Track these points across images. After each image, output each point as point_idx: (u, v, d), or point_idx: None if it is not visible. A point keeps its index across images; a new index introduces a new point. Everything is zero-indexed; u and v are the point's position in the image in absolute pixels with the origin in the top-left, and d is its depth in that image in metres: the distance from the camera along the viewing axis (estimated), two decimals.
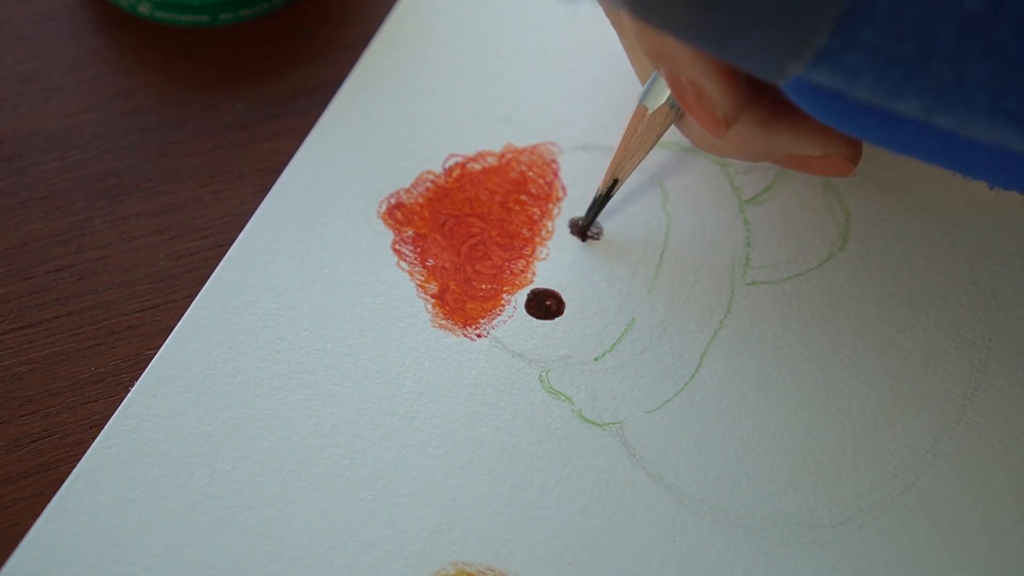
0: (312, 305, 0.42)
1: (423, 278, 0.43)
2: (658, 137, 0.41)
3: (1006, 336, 0.42)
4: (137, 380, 0.40)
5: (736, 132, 0.37)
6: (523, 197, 0.45)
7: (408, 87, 0.47)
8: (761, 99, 0.37)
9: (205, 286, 0.42)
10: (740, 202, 0.45)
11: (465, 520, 0.38)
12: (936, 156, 0.33)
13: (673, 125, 0.40)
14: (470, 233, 0.44)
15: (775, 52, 0.29)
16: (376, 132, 0.46)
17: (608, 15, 0.40)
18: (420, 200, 0.44)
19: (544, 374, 0.41)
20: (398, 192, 0.45)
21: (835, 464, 0.40)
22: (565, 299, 0.43)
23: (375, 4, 0.50)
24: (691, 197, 0.45)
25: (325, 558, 0.38)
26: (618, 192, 0.43)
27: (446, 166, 0.45)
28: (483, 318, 0.42)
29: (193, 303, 0.42)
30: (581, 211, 0.44)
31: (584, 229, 0.44)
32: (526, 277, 0.43)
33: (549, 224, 0.44)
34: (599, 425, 0.40)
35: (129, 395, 0.40)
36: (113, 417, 0.40)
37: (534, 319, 0.42)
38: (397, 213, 0.44)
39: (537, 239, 0.44)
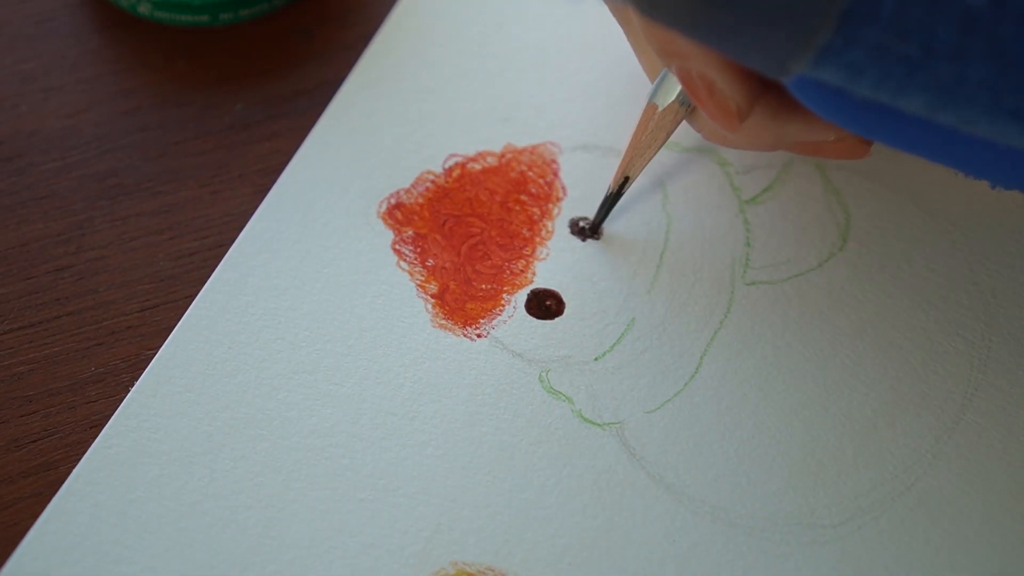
0: (312, 305, 0.42)
1: (423, 278, 0.43)
2: (668, 134, 0.41)
3: (1006, 336, 0.42)
4: (137, 380, 0.40)
5: (748, 124, 0.37)
6: (523, 197, 0.45)
7: (408, 87, 0.47)
8: (771, 89, 0.37)
9: (205, 286, 0.42)
10: (740, 202, 0.45)
11: (465, 520, 0.38)
12: (938, 154, 0.33)
13: (684, 121, 0.40)
14: (470, 233, 0.44)
15: (778, 49, 0.29)
16: (376, 132, 0.46)
17: (615, 13, 0.40)
18: (420, 200, 0.44)
19: (544, 374, 0.41)
20: (398, 192, 0.45)
21: (835, 464, 0.40)
22: (565, 299, 0.43)
23: (375, 4, 0.50)
24: (691, 197, 0.45)
25: (325, 558, 0.38)
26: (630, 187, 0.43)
27: (446, 166, 0.45)
28: (483, 318, 0.42)
29: (193, 303, 0.42)
30: (581, 211, 0.44)
31: (595, 227, 0.44)
32: (526, 277, 0.43)
33: (549, 224, 0.44)
34: (599, 425, 0.40)
35: (129, 395, 0.40)
36: (113, 417, 0.40)
37: (534, 319, 0.42)
38: (397, 213, 0.44)
39: (537, 239, 0.44)
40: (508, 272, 0.43)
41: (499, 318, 0.42)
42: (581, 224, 0.44)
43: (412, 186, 0.45)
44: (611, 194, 0.43)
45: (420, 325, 0.42)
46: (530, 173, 0.45)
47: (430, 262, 0.43)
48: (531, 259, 0.43)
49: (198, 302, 0.42)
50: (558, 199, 0.45)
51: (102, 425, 0.40)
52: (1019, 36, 0.28)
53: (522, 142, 0.46)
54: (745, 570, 0.38)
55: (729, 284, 0.43)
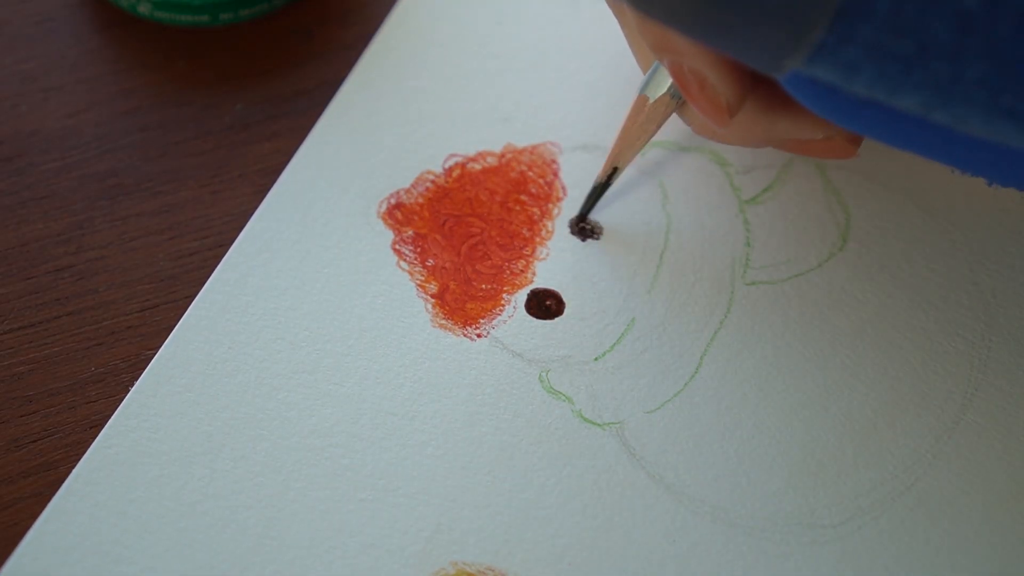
0: (312, 305, 0.42)
1: (423, 278, 0.43)
2: (658, 126, 0.41)
3: (1006, 336, 0.42)
4: (137, 380, 0.40)
5: (738, 119, 0.37)
6: (523, 197, 0.45)
7: (408, 87, 0.47)
8: (762, 85, 0.37)
9: (205, 286, 0.42)
10: (740, 202, 0.45)
11: (465, 520, 0.38)
12: (934, 151, 0.33)
13: (675, 115, 0.40)
14: (470, 233, 0.44)
15: (773, 46, 0.29)
16: (376, 132, 0.46)
17: (611, 6, 0.41)
18: (420, 200, 0.44)
19: (544, 374, 0.41)
20: (398, 192, 0.45)
21: (835, 464, 0.40)
22: (565, 299, 0.43)
23: (375, 4, 0.50)
24: (691, 197, 0.45)
25: (325, 558, 0.38)
26: (618, 191, 0.43)
27: (446, 166, 0.45)
28: (483, 318, 0.42)
29: (193, 303, 0.42)
30: None
31: (581, 218, 0.44)
32: (526, 277, 0.43)
33: (549, 224, 0.44)
34: (599, 425, 0.40)
35: (129, 395, 0.40)
36: (113, 417, 0.40)
37: (534, 319, 0.42)
38: (397, 213, 0.44)
39: (537, 239, 0.44)
40: (508, 272, 0.43)
41: (499, 318, 0.42)
42: (581, 224, 0.44)
43: (412, 186, 0.45)
44: (599, 184, 0.43)
45: (420, 325, 0.42)
46: (530, 173, 0.45)
47: (430, 262, 0.43)
48: (531, 259, 0.43)
49: (198, 302, 0.42)
50: (558, 199, 0.45)
51: (102, 425, 0.40)
52: (1015, 35, 0.28)
53: (522, 142, 0.46)
54: (745, 570, 0.38)
55: (729, 284, 0.43)
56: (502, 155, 0.46)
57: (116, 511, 0.38)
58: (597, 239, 0.44)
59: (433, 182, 0.45)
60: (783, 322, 0.42)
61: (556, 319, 0.42)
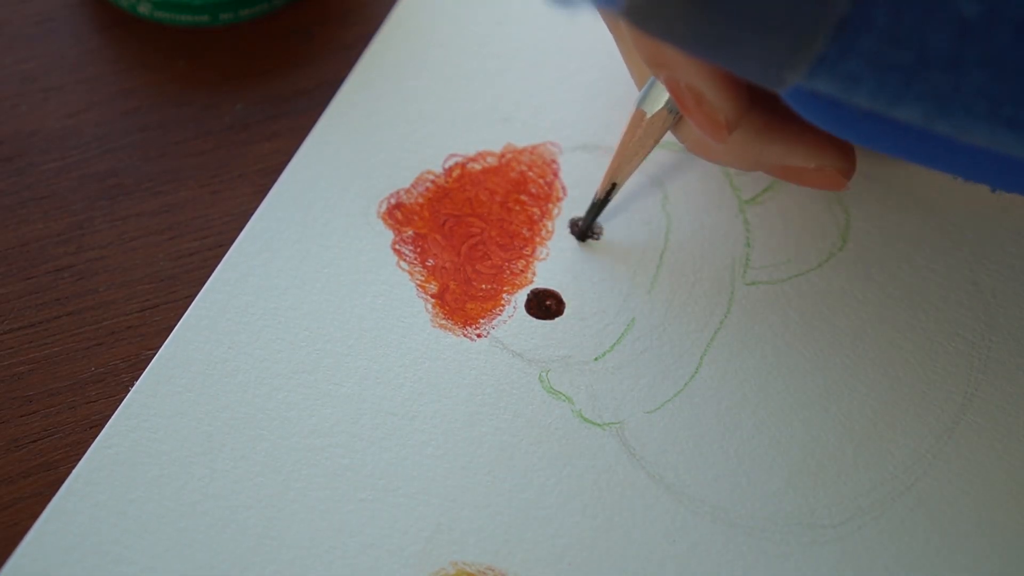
0: (312, 305, 0.42)
1: (423, 278, 0.43)
2: (656, 141, 0.41)
3: (1006, 336, 0.42)
4: (137, 380, 0.40)
5: (731, 140, 0.37)
6: (523, 197, 0.45)
7: (408, 87, 0.47)
8: (757, 109, 0.37)
9: (205, 286, 0.42)
10: (740, 202, 0.45)
11: (465, 520, 0.38)
12: (936, 161, 0.33)
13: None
14: (470, 233, 0.44)
15: (773, 60, 0.29)
16: (376, 132, 0.46)
17: (606, 21, 0.40)
18: (420, 200, 0.44)
19: (544, 374, 0.41)
20: (398, 192, 0.45)
21: (835, 464, 0.40)
22: (565, 299, 0.43)
23: (375, 4, 0.50)
24: (691, 197, 0.45)
25: (325, 558, 0.38)
26: (618, 192, 0.43)
27: (446, 166, 0.45)
28: (483, 318, 0.42)
29: (193, 303, 0.42)
30: (581, 211, 0.44)
31: (583, 232, 0.44)
32: (526, 277, 0.43)
33: (549, 224, 0.44)
34: (599, 425, 0.40)
35: (129, 395, 0.40)
36: (113, 417, 0.40)
37: (534, 319, 0.42)
38: (397, 213, 0.44)
39: (537, 239, 0.44)
40: (508, 272, 0.43)
41: (499, 318, 0.42)
42: (579, 227, 0.44)
43: (412, 186, 0.45)
44: (599, 200, 0.43)
45: (420, 325, 0.42)
46: (530, 173, 0.45)
47: (430, 262, 0.43)
48: (531, 259, 0.43)
49: (198, 302, 0.42)
50: (558, 199, 0.45)
51: (102, 425, 0.40)
52: (1015, 45, 0.28)
53: (522, 142, 0.46)
54: (745, 570, 0.38)
55: (729, 284, 0.43)
56: (502, 155, 0.46)
57: (116, 511, 0.38)
58: (597, 239, 0.44)
59: (433, 182, 0.45)
60: (783, 322, 0.42)
61: (556, 319, 0.42)
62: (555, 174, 0.45)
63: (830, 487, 0.39)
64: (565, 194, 0.45)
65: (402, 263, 0.43)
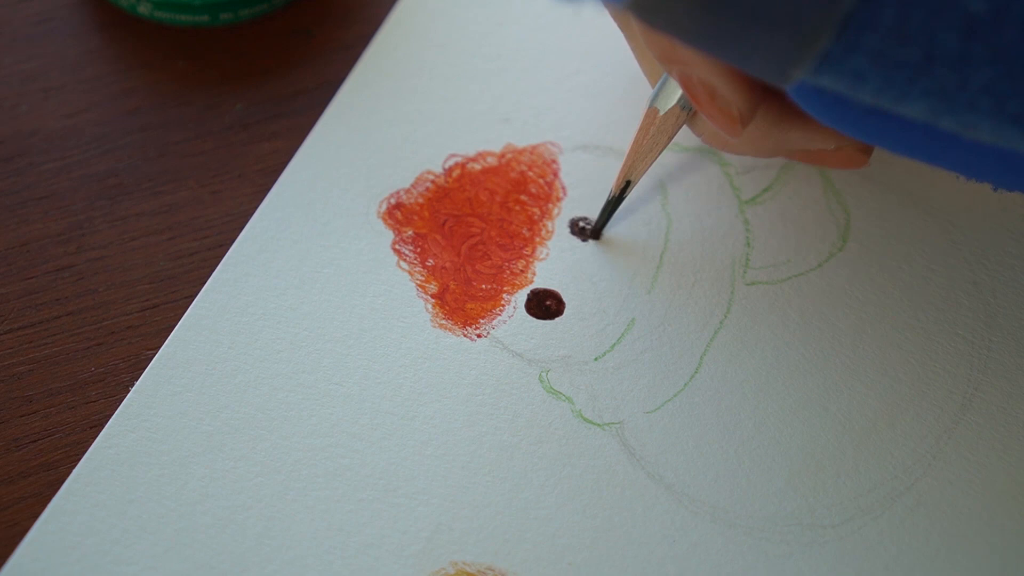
0: (312, 305, 0.42)
1: (423, 278, 0.43)
2: (670, 138, 0.41)
3: (1006, 336, 0.42)
4: (137, 380, 0.40)
5: (749, 130, 0.37)
6: (523, 197, 0.45)
7: (408, 87, 0.47)
8: (773, 96, 0.37)
9: (205, 286, 0.42)
10: (740, 202, 0.45)
11: (465, 520, 0.38)
12: (941, 159, 0.33)
13: (685, 125, 0.40)
14: (470, 233, 0.44)
15: (779, 57, 0.29)
16: (376, 132, 0.46)
17: (615, 18, 0.40)
18: (420, 200, 0.44)
19: (544, 374, 0.41)
20: (398, 192, 0.45)
21: (835, 464, 0.40)
22: (565, 299, 0.43)
23: (375, 4, 0.50)
24: (691, 197, 0.45)
25: (325, 558, 0.38)
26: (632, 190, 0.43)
27: (446, 166, 0.45)
28: (483, 318, 0.42)
29: (193, 303, 0.42)
30: (581, 211, 0.44)
31: (597, 231, 0.44)
32: (526, 277, 0.43)
33: (549, 224, 0.44)
34: (599, 425, 0.40)
35: (129, 395, 0.40)
36: (113, 417, 0.40)
37: (534, 319, 0.42)
38: (397, 213, 0.44)
39: (537, 239, 0.44)
40: (508, 272, 0.43)
41: (499, 318, 0.42)
42: (581, 224, 0.44)
43: (412, 186, 0.45)
44: (613, 198, 0.43)
45: (420, 325, 0.42)
46: (530, 173, 0.45)
47: (430, 262, 0.43)
48: (531, 259, 0.43)
49: (198, 302, 0.42)
50: (558, 199, 0.45)
51: (102, 425, 0.40)
52: (1021, 40, 0.27)
53: (522, 142, 0.46)
54: (745, 570, 0.38)
55: (729, 284, 0.43)
56: (502, 155, 0.46)
57: (116, 511, 0.38)
58: (597, 239, 0.44)
59: (433, 182, 0.45)
60: (783, 322, 0.42)
61: (556, 319, 0.42)
62: (555, 174, 0.45)
63: (830, 487, 0.39)
64: (565, 194, 0.45)
65: (402, 263, 0.43)
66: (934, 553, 0.38)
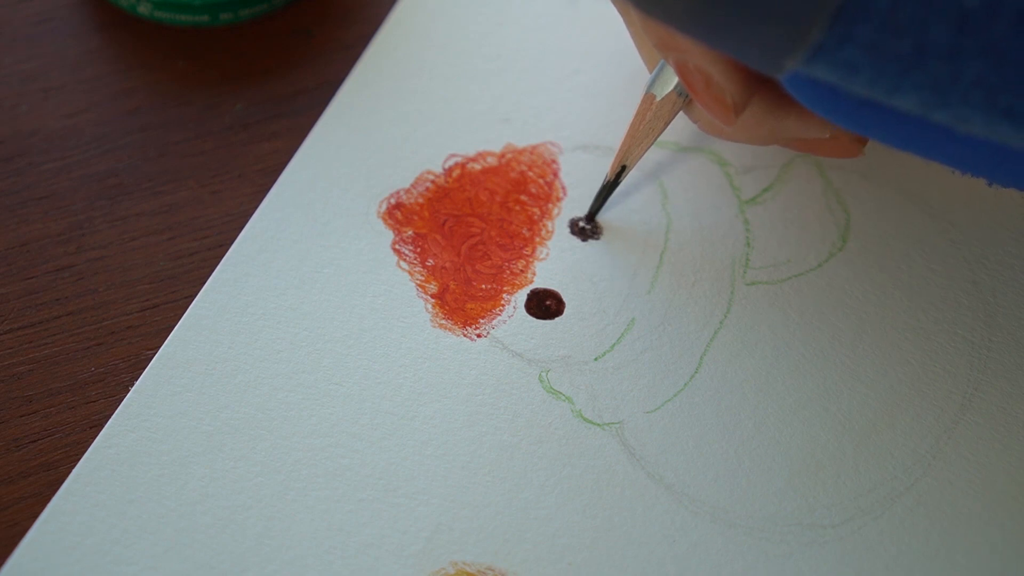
0: (312, 305, 0.42)
1: (423, 278, 0.43)
2: (666, 124, 0.41)
3: (1006, 336, 0.42)
4: (137, 380, 0.40)
5: (744, 118, 0.37)
6: (523, 197, 0.45)
7: (408, 87, 0.47)
8: (769, 84, 0.37)
9: (205, 286, 0.42)
10: (740, 202, 0.45)
11: (465, 520, 0.38)
12: (933, 151, 0.33)
13: (680, 114, 0.40)
14: (470, 233, 0.44)
15: (772, 46, 0.29)
16: (376, 132, 0.46)
17: (616, 5, 0.41)
18: (420, 200, 0.44)
19: (544, 374, 0.41)
20: (398, 192, 0.45)
21: (835, 464, 0.40)
22: (565, 299, 0.43)
23: (375, 4, 0.50)
24: (691, 197, 0.45)
25: (325, 558, 0.38)
26: (618, 192, 0.43)
27: (446, 166, 0.45)
28: (483, 318, 0.42)
29: (193, 303, 0.42)
30: (581, 211, 0.44)
31: (591, 217, 0.44)
32: (526, 277, 0.43)
33: (549, 224, 0.44)
34: (599, 425, 0.40)
35: (129, 395, 0.40)
36: (113, 417, 0.40)
37: (534, 319, 0.42)
38: (397, 213, 0.44)
39: (537, 239, 0.44)
40: (508, 272, 0.43)
41: (499, 318, 0.42)
42: (581, 224, 0.44)
43: (412, 186, 0.45)
44: (608, 183, 0.43)
45: (420, 325, 0.42)
46: (530, 173, 0.45)
47: (430, 262, 0.43)
48: (531, 259, 0.43)
49: (198, 302, 0.42)
50: (558, 199, 0.45)
51: (102, 425, 0.40)
52: (1013, 34, 0.28)
53: (522, 142, 0.46)
54: (745, 570, 0.38)
55: (729, 284, 0.43)
56: (502, 155, 0.46)
57: (116, 511, 0.38)
58: (597, 239, 0.44)
59: (433, 182, 0.45)
60: (783, 322, 0.42)
61: (556, 319, 0.42)
62: (555, 174, 0.45)
63: (830, 487, 0.39)
64: (565, 194, 0.45)
65: (402, 263, 0.43)
66: (934, 553, 0.38)
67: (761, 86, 0.37)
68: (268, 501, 0.38)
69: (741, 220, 0.44)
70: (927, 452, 0.40)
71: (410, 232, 0.44)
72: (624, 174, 0.43)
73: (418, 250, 0.43)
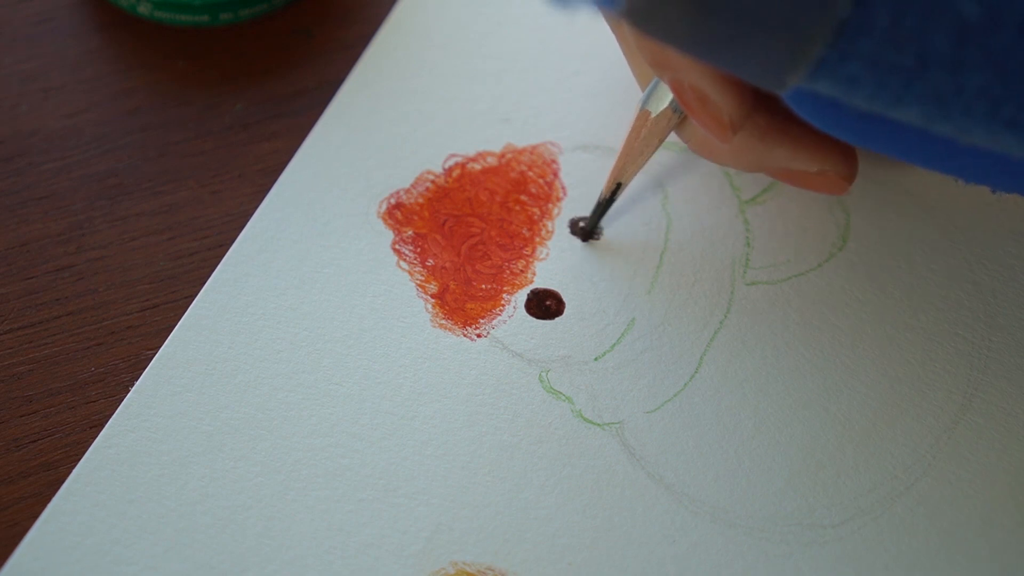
0: (312, 305, 0.42)
1: (423, 278, 0.43)
2: (661, 141, 0.41)
3: (1006, 336, 0.42)
4: (137, 380, 0.40)
5: (735, 141, 0.37)
6: (523, 197, 0.45)
7: (408, 87, 0.47)
8: (761, 111, 0.37)
9: (205, 286, 0.42)
10: (740, 202, 0.45)
11: (465, 520, 0.38)
12: (936, 163, 0.33)
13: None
14: (470, 233, 0.44)
15: (774, 62, 0.29)
16: (376, 132, 0.46)
17: (608, 23, 0.40)
18: (420, 200, 0.44)
19: (544, 374, 0.41)
20: (398, 192, 0.45)
21: (835, 464, 0.40)
22: (565, 299, 0.43)
23: (375, 4, 0.50)
24: (691, 197, 0.45)
25: (325, 558, 0.38)
26: (622, 193, 0.43)
27: (446, 166, 0.45)
28: (483, 318, 0.42)
29: (193, 303, 0.42)
30: (581, 211, 0.44)
31: (588, 233, 0.44)
32: (526, 277, 0.43)
33: (549, 224, 0.44)
34: (599, 425, 0.40)
35: (129, 395, 0.40)
36: (113, 417, 0.40)
37: (534, 319, 0.42)
38: (397, 213, 0.44)
39: (537, 239, 0.44)
40: (508, 272, 0.43)
41: (499, 318, 0.42)
42: (581, 224, 0.44)
43: (412, 186, 0.45)
44: (603, 200, 0.43)
45: (420, 325, 0.42)
46: (530, 173, 0.45)
47: (430, 262, 0.43)
48: (531, 259, 0.43)
49: (198, 302, 0.42)
50: (558, 199, 0.45)
51: (102, 425, 0.40)
52: (1015, 46, 0.28)
53: (522, 142, 0.46)
54: (745, 570, 0.38)
55: (729, 284, 0.43)
56: (502, 155, 0.46)
57: (116, 511, 0.38)
58: (597, 239, 0.44)
59: (433, 182, 0.45)
60: (783, 322, 0.42)
61: (556, 319, 0.42)
62: (555, 174, 0.45)
63: (830, 487, 0.39)
64: (565, 194, 0.45)
65: (402, 263, 0.43)
66: (934, 553, 0.38)
67: (754, 111, 0.37)
68: (268, 501, 0.38)
69: (741, 220, 0.44)
70: (927, 452, 0.40)
71: (410, 232, 0.44)
72: (620, 191, 0.43)
73: (418, 250, 0.43)
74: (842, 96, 0.30)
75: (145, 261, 0.43)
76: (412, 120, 0.46)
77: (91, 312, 0.42)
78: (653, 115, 0.40)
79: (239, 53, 0.48)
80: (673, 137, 0.45)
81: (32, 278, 0.43)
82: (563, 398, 0.41)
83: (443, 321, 0.42)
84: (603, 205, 0.43)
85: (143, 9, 0.48)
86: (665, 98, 0.40)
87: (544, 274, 0.43)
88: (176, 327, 0.42)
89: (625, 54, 0.41)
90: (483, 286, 0.43)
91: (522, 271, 0.43)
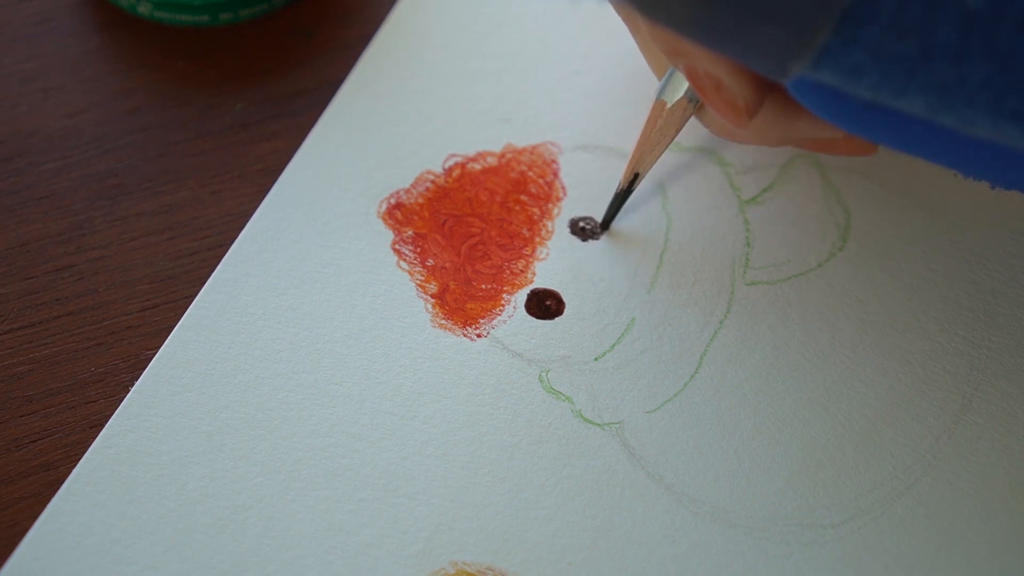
0: (312, 305, 0.42)
1: (423, 278, 0.43)
2: (677, 131, 0.41)
3: (1006, 336, 0.42)
4: (137, 380, 0.40)
5: (756, 120, 0.37)
6: (523, 197, 0.45)
7: (408, 87, 0.47)
8: (779, 86, 0.37)
9: (205, 286, 0.42)
10: (740, 202, 0.45)
11: (465, 520, 0.38)
12: (938, 154, 0.33)
13: (693, 117, 0.41)
14: (470, 233, 0.44)
15: (778, 50, 0.29)
16: (376, 132, 0.46)
17: (620, 13, 0.41)
18: (420, 200, 0.44)
19: (544, 374, 0.41)
20: (398, 192, 0.45)
21: (835, 464, 0.40)
22: (565, 299, 0.43)
23: (375, 4, 0.50)
24: (691, 197, 0.45)
25: (325, 558, 0.38)
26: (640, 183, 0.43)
27: (446, 166, 0.45)
28: (483, 318, 0.42)
29: (193, 303, 0.42)
30: (581, 211, 0.44)
31: (606, 224, 0.44)
32: (526, 277, 0.43)
33: (549, 224, 0.44)
34: (599, 425, 0.40)
35: (129, 395, 0.40)
36: (113, 417, 0.40)
37: (534, 319, 0.42)
38: (397, 213, 0.44)
39: (537, 239, 0.44)
40: (508, 272, 0.43)
41: (499, 318, 0.42)
42: (581, 224, 0.44)
43: (412, 186, 0.45)
44: (621, 191, 0.43)
45: (420, 325, 0.42)
46: (530, 173, 0.45)
47: (430, 262, 0.43)
48: (531, 259, 0.43)
49: (198, 302, 0.42)
50: (558, 199, 0.45)
51: (102, 425, 0.40)
52: (1019, 37, 0.28)
53: (522, 142, 0.46)
54: (745, 570, 0.38)
55: (729, 284, 0.43)
56: (502, 155, 0.46)
57: (116, 511, 0.38)
58: (597, 239, 0.44)
59: (433, 182, 0.45)
60: (783, 322, 0.42)
61: (556, 319, 0.42)
62: (555, 174, 0.45)
63: (830, 487, 0.39)
64: (565, 194, 0.45)
65: (402, 263, 0.43)
66: (934, 553, 0.38)
67: (772, 88, 0.37)
68: (268, 501, 0.38)
69: (741, 220, 0.44)
70: (927, 452, 0.40)
71: (410, 232, 0.44)
72: (637, 182, 0.43)
73: (418, 250, 0.43)
74: (845, 85, 0.30)
75: (145, 261, 0.43)
76: (412, 120, 0.46)
77: (91, 312, 0.42)
78: (669, 105, 0.40)
79: (239, 53, 0.48)
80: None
81: (32, 278, 0.43)
82: (563, 398, 0.41)
83: (443, 321, 0.42)
84: (621, 196, 0.43)
85: (143, 9, 0.48)
86: (680, 88, 0.40)
87: (544, 274, 0.43)
88: (176, 327, 0.42)
89: (639, 45, 0.41)
90: (483, 286, 0.43)
91: (522, 271, 0.43)
